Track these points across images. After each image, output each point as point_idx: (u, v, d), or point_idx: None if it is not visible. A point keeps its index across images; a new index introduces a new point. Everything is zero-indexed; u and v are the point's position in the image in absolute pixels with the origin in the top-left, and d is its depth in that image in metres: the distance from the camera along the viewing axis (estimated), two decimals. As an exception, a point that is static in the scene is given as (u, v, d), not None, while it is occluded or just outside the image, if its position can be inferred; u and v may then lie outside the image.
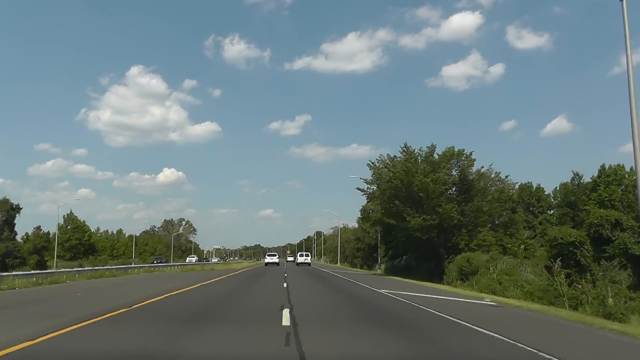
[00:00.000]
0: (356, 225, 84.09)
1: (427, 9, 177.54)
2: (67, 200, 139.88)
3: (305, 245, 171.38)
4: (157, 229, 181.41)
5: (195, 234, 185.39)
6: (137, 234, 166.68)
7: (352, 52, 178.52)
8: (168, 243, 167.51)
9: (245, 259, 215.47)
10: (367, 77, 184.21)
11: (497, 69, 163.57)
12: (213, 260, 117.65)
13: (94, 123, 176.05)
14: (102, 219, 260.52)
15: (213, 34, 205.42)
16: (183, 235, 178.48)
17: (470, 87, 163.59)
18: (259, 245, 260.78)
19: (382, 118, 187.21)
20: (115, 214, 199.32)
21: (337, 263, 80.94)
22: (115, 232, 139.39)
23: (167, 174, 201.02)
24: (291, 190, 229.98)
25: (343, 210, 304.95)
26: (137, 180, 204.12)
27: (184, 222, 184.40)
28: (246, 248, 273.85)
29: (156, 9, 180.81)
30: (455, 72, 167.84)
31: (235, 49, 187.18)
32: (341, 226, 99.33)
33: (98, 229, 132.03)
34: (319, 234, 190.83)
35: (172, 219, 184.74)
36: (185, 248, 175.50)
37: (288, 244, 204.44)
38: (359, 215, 75.28)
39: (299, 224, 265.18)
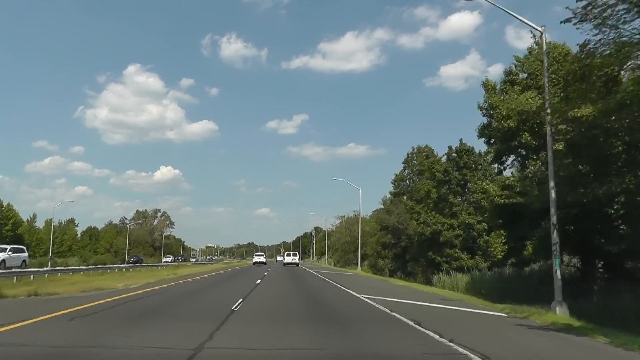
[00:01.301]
0: (379, 217, 55.84)
1: (426, 9, 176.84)
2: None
3: (302, 243, 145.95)
4: (128, 221, 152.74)
5: (172, 227, 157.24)
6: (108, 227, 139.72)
7: (350, 52, 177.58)
8: (138, 237, 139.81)
9: (235, 258, 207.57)
10: (364, 76, 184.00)
11: (497, 69, 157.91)
12: (165, 260, 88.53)
13: (91, 121, 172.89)
14: (98, 216, 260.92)
15: (210, 33, 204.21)
16: (157, 228, 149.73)
17: (469, 87, 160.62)
18: (252, 243, 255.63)
19: (379, 118, 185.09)
20: (111, 211, 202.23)
21: (355, 267, 50.53)
22: (65, 223, 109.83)
23: (164, 172, 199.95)
24: (287, 189, 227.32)
25: (345, 209, 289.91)
26: (134, 178, 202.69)
27: (159, 214, 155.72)
28: (239, 246, 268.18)
29: (153, 8, 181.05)
30: (454, 72, 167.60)
31: (233, 47, 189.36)
32: (352, 214, 71.90)
33: (34, 216, 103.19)
34: (318, 230, 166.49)
35: (145, 210, 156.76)
36: (159, 244, 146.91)
37: (283, 242, 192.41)
38: (391, 190, 46.88)
39: (294, 223, 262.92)
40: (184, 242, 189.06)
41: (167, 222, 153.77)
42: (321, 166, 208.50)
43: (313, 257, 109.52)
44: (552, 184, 11.87)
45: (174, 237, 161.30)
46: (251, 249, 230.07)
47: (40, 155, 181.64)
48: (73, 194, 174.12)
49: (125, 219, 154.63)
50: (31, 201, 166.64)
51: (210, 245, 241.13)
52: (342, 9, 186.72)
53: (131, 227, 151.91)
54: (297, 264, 60.23)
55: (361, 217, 69.06)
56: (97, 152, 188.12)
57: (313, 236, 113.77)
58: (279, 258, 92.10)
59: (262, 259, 70.78)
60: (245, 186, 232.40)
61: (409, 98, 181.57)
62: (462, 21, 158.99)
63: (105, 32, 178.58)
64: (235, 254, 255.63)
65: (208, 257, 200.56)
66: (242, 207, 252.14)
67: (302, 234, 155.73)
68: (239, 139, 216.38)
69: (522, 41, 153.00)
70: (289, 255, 64.78)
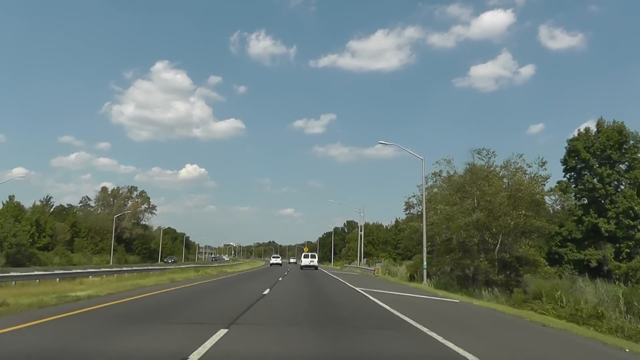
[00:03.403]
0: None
1: (458, 7, 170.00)
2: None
3: (334, 241, 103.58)
4: (91, 203, 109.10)
5: (153, 212, 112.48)
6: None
7: (380, 50, 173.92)
8: (95, 225, 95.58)
9: (248, 258, 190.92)
10: (394, 76, 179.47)
11: (528, 70, 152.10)
12: None
13: (117, 117, 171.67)
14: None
15: (239, 30, 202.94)
16: (131, 212, 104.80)
17: (499, 88, 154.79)
18: (272, 242, 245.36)
19: (407, 118, 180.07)
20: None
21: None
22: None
23: (190, 170, 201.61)
24: (313, 190, 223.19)
25: (375, 212, 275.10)
26: (159, 175, 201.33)
27: (135, 194, 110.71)
28: (258, 245, 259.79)
29: (182, 4, 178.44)
30: (484, 73, 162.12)
31: (261, 45, 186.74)
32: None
33: None
34: (351, 225, 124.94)
35: (117, 187, 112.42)
36: (133, 236, 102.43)
37: (306, 242, 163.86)
38: None
39: (318, 224, 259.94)
40: (187, 237, 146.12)
41: (145, 206, 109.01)
42: (347, 167, 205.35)
43: (360, 261, 62.46)
44: None
45: (146, 225, 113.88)
46: (271, 247, 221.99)
47: (66, 150, 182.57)
48: (98, 190, 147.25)
49: (89, 199, 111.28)
50: (56, 196, 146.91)
51: (229, 243, 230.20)
52: (373, 6, 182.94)
53: (91, 210, 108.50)
54: (315, 267, 57.15)
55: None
56: (122, 148, 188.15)
57: (361, 227, 66.32)
58: (292, 260, 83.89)
59: (279, 260, 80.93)
60: (270, 185, 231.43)
61: (437, 98, 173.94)
62: (495, 20, 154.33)
63: (133, 28, 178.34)
64: (252, 254, 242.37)
65: (218, 256, 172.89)
66: (266, 206, 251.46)
67: (332, 230, 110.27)
68: (265, 138, 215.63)
69: (554, 41, 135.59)
70: (306, 257, 59.88)
